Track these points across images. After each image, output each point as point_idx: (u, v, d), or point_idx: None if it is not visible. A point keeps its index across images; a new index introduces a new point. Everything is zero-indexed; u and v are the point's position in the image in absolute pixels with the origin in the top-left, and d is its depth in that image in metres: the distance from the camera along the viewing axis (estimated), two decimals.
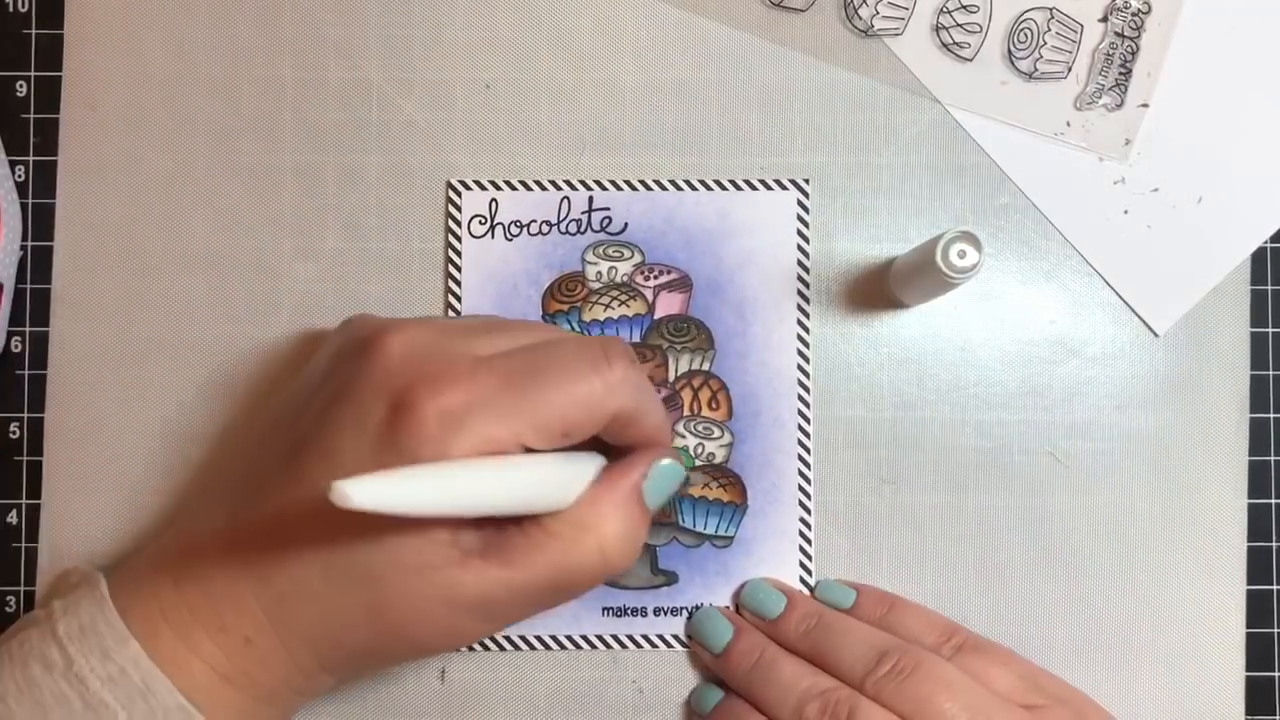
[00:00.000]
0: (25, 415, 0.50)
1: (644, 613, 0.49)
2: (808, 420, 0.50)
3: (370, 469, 0.33)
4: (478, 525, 0.39)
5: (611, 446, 0.42)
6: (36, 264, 0.50)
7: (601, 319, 0.50)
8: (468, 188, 0.50)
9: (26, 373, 0.50)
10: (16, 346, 0.50)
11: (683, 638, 0.49)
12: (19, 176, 0.50)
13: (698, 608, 0.49)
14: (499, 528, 0.39)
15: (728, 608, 0.49)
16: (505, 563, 0.38)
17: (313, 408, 0.40)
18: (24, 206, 0.50)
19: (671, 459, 0.41)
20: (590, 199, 0.50)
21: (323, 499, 0.35)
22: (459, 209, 0.50)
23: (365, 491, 0.33)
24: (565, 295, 0.50)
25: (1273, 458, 0.50)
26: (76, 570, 0.46)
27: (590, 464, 0.41)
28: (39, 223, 0.50)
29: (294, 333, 0.50)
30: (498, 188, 0.50)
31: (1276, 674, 0.50)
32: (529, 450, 0.38)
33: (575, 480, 0.40)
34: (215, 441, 0.50)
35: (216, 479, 0.46)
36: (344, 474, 0.32)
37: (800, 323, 0.50)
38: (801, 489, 0.49)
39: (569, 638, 0.49)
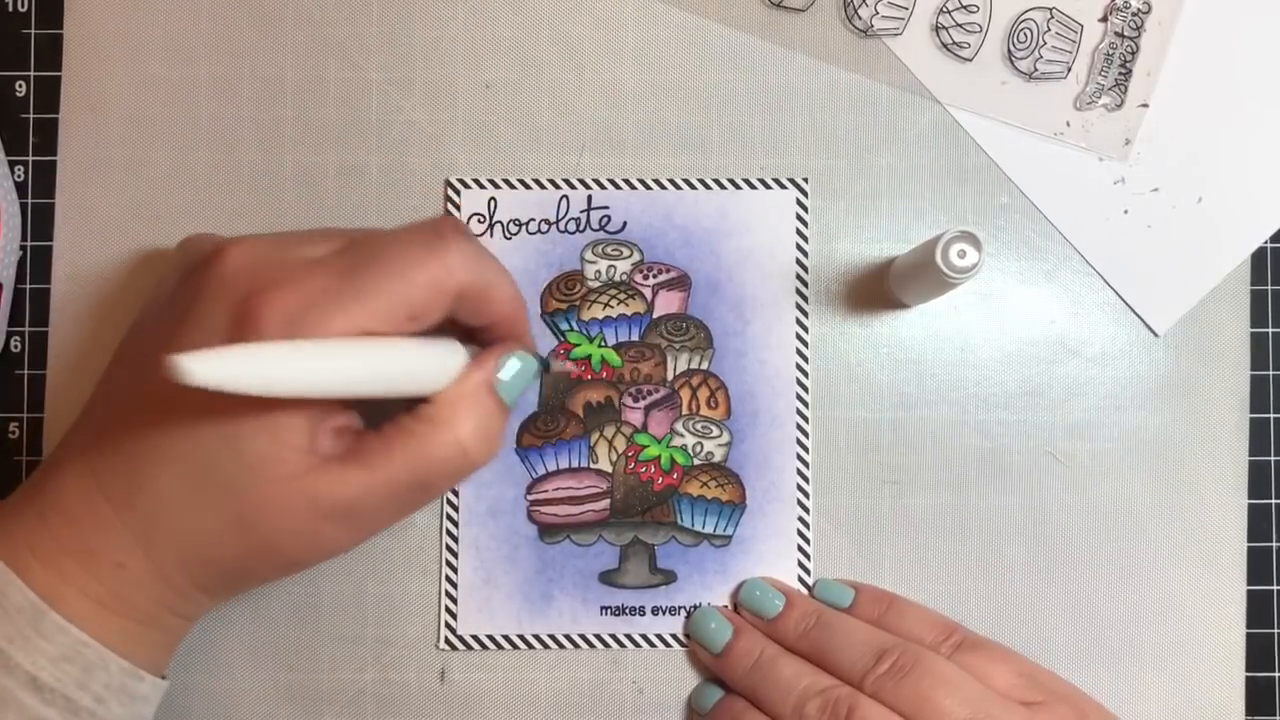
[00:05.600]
0: (25, 415, 0.50)
1: (642, 612, 0.49)
2: (806, 420, 0.50)
3: None
4: (335, 432, 0.39)
5: (475, 334, 0.43)
6: (36, 264, 0.50)
7: (600, 317, 0.50)
8: (466, 186, 0.50)
9: (26, 373, 0.50)
10: (16, 346, 0.50)
11: (681, 637, 0.49)
12: (19, 176, 0.50)
13: (696, 607, 0.49)
14: (356, 433, 0.40)
15: (726, 607, 0.49)
16: (363, 464, 0.38)
17: (160, 329, 0.40)
18: (24, 206, 0.50)
19: (523, 351, 0.42)
20: (589, 198, 0.50)
21: (175, 409, 0.35)
22: (458, 207, 0.50)
23: (207, 365, 0.32)
24: (564, 294, 0.50)
25: (1273, 458, 0.50)
26: None
27: (457, 350, 0.41)
28: (39, 223, 0.50)
29: None
30: (496, 186, 0.50)
31: (1276, 674, 0.50)
32: None
33: (445, 362, 0.40)
34: None
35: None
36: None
37: (799, 321, 0.50)
38: (800, 488, 0.49)
39: (567, 636, 0.49)
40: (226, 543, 0.39)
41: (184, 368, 0.32)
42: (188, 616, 0.42)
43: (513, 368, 0.41)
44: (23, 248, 0.50)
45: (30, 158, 0.51)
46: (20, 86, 0.51)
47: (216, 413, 0.37)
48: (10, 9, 0.51)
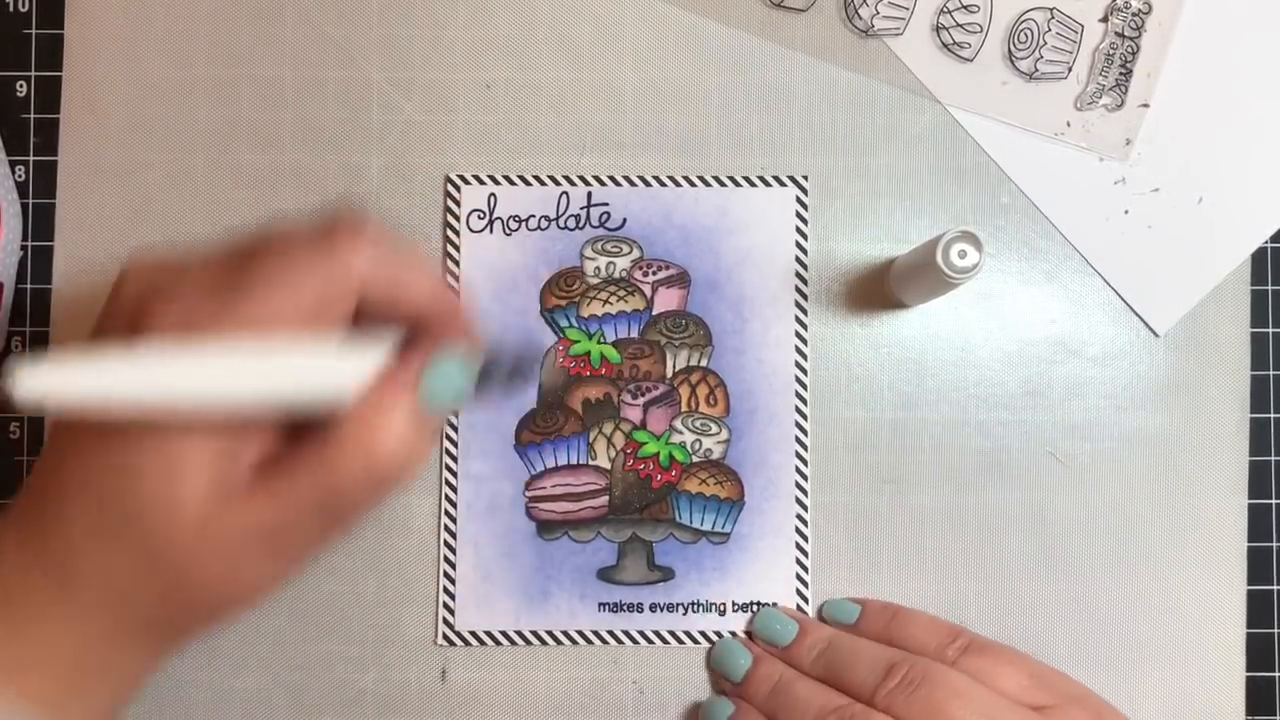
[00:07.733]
0: (25, 415, 0.50)
1: (640, 608, 0.49)
2: (805, 417, 0.50)
3: None
4: (251, 458, 0.36)
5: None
6: (36, 264, 0.50)
7: (600, 314, 0.50)
8: (466, 182, 0.50)
9: None
10: (16, 346, 0.50)
11: (679, 634, 0.49)
12: (19, 176, 0.50)
13: (695, 605, 0.49)
14: (272, 460, 0.37)
15: (743, 637, 0.49)
16: (268, 493, 0.35)
17: None
18: (24, 206, 0.50)
19: (450, 353, 0.37)
20: (589, 194, 0.50)
21: (74, 441, 0.34)
22: (458, 204, 0.50)
23: (38, 376, 0.28)
24: (564, 290, 0.50)
25: (1273, 458, 0.50)
26: None
27: (373, 351, 0.36)
28: (39, 223, 0.50)
29: None
30: (496, 182, 0.50)
31: (1276, 674, 0.49)
32: None
33: (352, 366, 0.35)
34: None
35: None
36: None
37: (798, 319, 0.50)
38: (799, 485, 0.49)
39: (565, 633, 0.49)
40: (142, 584, 0.36)
41: (13, 381, 0.28)
42: (117, 682, 0.38)
43: (438, 371, 0.36)
44: (23, 248, 0.50)
45: (31, 158, 0.51)
46: (21, 86, 0.51)
47: (113, 444, 0.35)
48: (11, 9, 0.51)
